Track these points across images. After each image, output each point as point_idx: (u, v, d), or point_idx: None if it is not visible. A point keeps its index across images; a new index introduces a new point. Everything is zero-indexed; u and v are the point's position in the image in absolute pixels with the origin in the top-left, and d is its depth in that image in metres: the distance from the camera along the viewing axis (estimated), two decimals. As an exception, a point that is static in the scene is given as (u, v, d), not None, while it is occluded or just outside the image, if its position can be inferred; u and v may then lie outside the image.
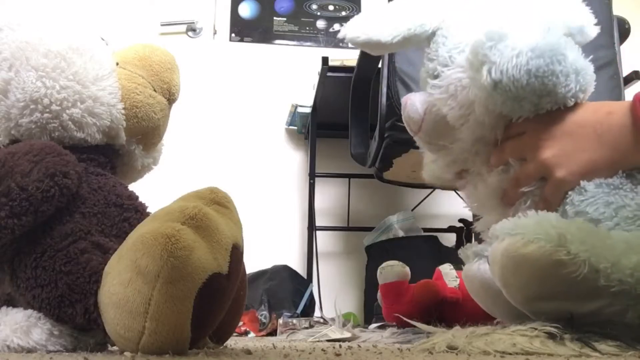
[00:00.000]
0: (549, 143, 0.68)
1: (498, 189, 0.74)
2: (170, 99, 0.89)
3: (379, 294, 1.28)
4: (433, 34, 0.78)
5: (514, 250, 0.58)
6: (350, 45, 0.83)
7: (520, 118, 0.70)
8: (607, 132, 0.65)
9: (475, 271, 0.77)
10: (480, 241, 0.80)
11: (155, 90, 0.87)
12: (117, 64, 0.86)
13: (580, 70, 0.67)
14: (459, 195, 2.14)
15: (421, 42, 0.79)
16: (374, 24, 0.78)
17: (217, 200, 0.63)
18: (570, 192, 0.66)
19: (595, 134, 0.66)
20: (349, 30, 0.80)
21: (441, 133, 0.78)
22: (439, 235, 2.12)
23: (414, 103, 0.80)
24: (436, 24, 0.78)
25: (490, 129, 0.73)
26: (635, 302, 0.56)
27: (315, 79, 2.12)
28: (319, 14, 2.74)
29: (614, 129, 0.65)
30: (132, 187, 0.83)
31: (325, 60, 1.97)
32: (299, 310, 1.87)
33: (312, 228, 2.19)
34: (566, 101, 0.68)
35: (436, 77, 0.76)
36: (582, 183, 0.65)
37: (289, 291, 1.96)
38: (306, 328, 1.48)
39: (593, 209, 0.64)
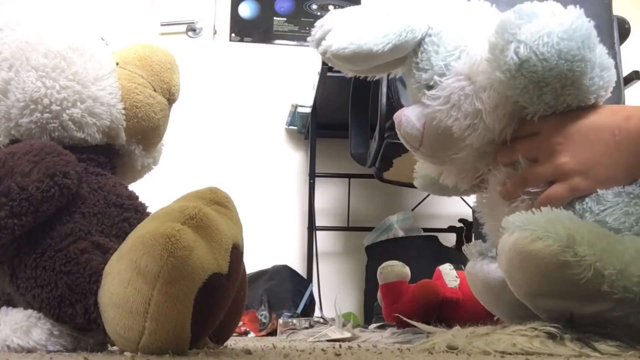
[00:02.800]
0: (566, 147, 0.65)
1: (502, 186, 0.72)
2: (170, 99, 0.89)
3: (379, 294, 1.28)
4: (421, 40, 0.74)
5: (522, 245, 0.58)
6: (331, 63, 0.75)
7: (536, 115, 0.67)
8: (625, 137, 0.63)
9: (479, 270, 0.76)
10: (485, 240, 0.80)
11: (155, 90, 0.87)
12: (117, 64, 0.86)
13: (605, 66, 0.65)
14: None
15: (408, 49, 0.75)
16: (361, 32, 0.72)
17: (217, 200, 0.63)
18: (587, 199, 0.64)
19: (614, 140, 0.63)
20: (335, 41, 0.72)
21: (446, 145, 0.74)
22: (439, 235, 2.12)
23: (409, 118, 0.75)
24: (424, 29, 0.74)
25: (500, 131, 0.70)
26: (638, 310, 0.56)
27: (315, 79, 2.12)
28: (319, 14, 2.74)
29: (633, 134, 0.63)
30: (132, 187, 0.83)
31: (325, 60, 1.97)
32: (299, 310, 1.87)
33: (312, 228, 2.19)
34: (588, 96, 0.65)
35: (431, 87, 0.73)
36: (601, 192, 0.63)
37: (289, 291, 1.96)
38: (306, 328, 1.48)
39: (612, 219, 0.62)
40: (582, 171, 0.64)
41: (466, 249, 0.80)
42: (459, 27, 0.74)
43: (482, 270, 0.76)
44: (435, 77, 0.72)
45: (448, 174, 0.79)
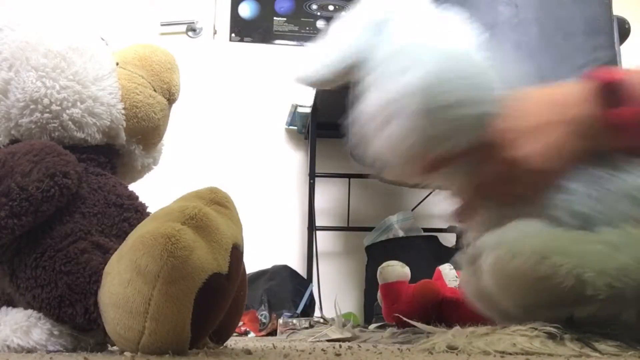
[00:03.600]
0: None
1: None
2: (170, 99, 0.89)
3: (379, 294, 1.28)
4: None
5: (500, 267, 0.59)
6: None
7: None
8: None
9: (468, 278, 0.76)
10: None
11: (155, 90, 0.87)
12: (117, 64, 0.86)
13: None
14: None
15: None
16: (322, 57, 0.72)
17: (217, 200, 0.63)
18: (552, 196, 0.64)
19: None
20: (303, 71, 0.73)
21: None
22: (439, 235, 2.12)
23: None
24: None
25: None
26: (626, 305, 0.56)
27: (315, 79, 2.12)
28: (319, 14, 2.74)
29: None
30: (132, 187, 0.83)
31: (325, 60, 1.97)
32: (299, 310, 1.87)
33: (312, 228, 2.19)
34: None
35: None
36: (561, 182, 0.63)
37: (289, 291, 1.96)
38: (306, 328, 1.47)
39: (581, 206, 0.62)
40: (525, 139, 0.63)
41: (459, 258, 0.80)
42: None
43: (472, 277, 0.75)
44: None
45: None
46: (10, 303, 0.70)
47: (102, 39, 0.88)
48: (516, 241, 0.59)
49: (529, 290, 0.58)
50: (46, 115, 0.77)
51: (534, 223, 0.61)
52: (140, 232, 0.58)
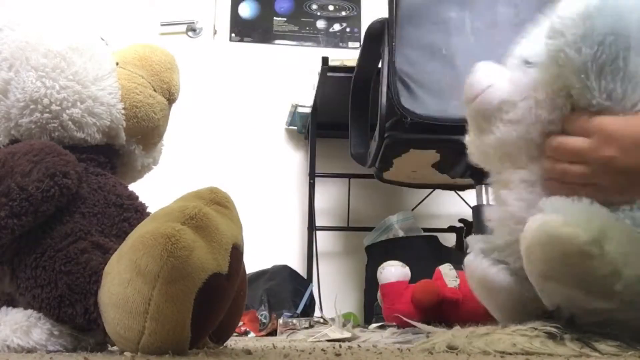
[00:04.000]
0: (615, 152, 0.62)
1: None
2: (170, 99, 0.89)
3: (379, 294, 1.28)
4: None
5: (552, 226, 0.57)
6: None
7: (592, 106, 0.63)
8: None
9: (477, 266, 0.76)
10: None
11: (155, 90, 0.87)
12: (117, 64, 0.86)
13: None
14: (459, 196, 2.15)
15: None
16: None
17: (217, 201, 0.63)
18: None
19: None
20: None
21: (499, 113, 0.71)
22: (439, 235, 2.12)
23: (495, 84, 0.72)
24: None
25: (549, 122, 0.67)
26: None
27: (315, 79, 2.12)
28: (319, 14, 2.74)
29: None
30: (132, 187, 0.83)
31: (325, 60, 1.97)
32: (299, 310, 1.87)
33: (312, 228, 2.19)
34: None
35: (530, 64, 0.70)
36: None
37: (289, 291, 1.96)
38: (306, 328, 1.47)
39: None
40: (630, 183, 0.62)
41: (469, 240, 0.79)
42: None
43: (481, 268, 0.75)
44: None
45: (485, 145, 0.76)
46: (11, 303, 0.70)
47: (102, 39, 0.88)
48: (579, 213, 0.58)
49: (564, 260, 0.57)
50: (46, 115, 0.77)
51: (603, 209, 0.60)
52: (140, 232, 0.58)
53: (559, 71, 0.62)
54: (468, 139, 0.80)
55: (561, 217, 0.57)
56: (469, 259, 0.79)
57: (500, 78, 0.72)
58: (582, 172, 0.64)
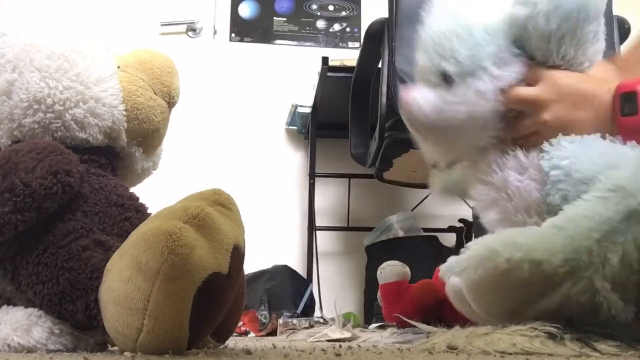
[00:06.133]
0: (554, 105, 0.72)
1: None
2: (170, 102, 0.90)
3: (379, 294, 1.28)
4: None
5: (468, 282, 0.61)
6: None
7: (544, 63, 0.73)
8: (602, 107, 0.71)
9: (449, 285, 0.77)
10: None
11: (155, 93, 0.88)
12: (119, 67, 0.87)
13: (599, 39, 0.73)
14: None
15: None
16: None
17: (220, 202, 0.63)
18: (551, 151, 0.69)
19: (593, 107, 0.71)
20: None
21: (452, 134, 0.77)
22: (439, 235, 2.12)
23: (420, 106, 0.77)
24: None
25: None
26: (592, 271, 0.57)
27: (315, 79, 2.12)
28: (319, 14, 2.74)
29: (607, 104, 0.70)
30: (133, 188, 0.84)
31: (325, 60, 1.97)
32: (299, 310, 1.87)
33: (312, 228, 2.19)
34: (585, 54, 0.72)
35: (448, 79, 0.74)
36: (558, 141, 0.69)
37: (289, 291, 1.96)
38: (306, 328, 1.48)
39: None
40: (561, 128, 0.71)
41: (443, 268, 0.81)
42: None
43: (450, 283, 0.76)
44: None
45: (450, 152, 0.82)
46: (11, 302, 0.70)
47: (104, 43, 0.89)
48: (467, 258, 0.61)
49: (501, 293, 0.60)
50: (49, 115, 0.77)
51: (480, 239, 0.64)
52: (142, 230, 0.58)
53: (520, 33, 0.71)
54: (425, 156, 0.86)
55: (458, 265, 0.62)
56: (447, 285, 0.79)
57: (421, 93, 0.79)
58: (532, 122, 0.73)
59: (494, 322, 0.73)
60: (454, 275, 0.65)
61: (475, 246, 0.62)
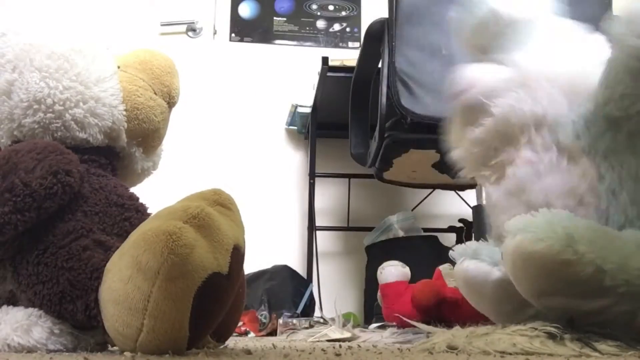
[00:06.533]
0: None
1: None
2: (170, 102, 0.90)
3: (379, 294, 1.28)
4: None
5: (524, 247, 0.59)
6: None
7: None
8: None
9: (461, 269, 0.77)
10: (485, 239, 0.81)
11: (155, 93, 0.88)
12: (119, 67, 0.87)
13: None
14: (459, 196, 2.15)
15: None
16: None
17: (220, 202, 0.63)
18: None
19: None
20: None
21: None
22: (439, 235, 2.12)
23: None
24: None
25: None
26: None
27: (315, 79, 2.12)
28: (319, 14, 2.74)
29: None
30: (133, 189, 0.84)
31: (325, 60, 1.97)
32: (299, 310, 1.87)
33: (312, 228, 2.19)
34: None
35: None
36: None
37: (289, 291, 1.96)
38: (306, 328, 1.48)
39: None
40: None
41: (451, 254, 0.81)
42: None
43: (463, 269, 0.76)
44: None
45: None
46: (11, 302, 0.70)
47: (104, 43, 0.89)
48: (543, 226, 0.59)
49: (547, 275, 0.58)
50: (49, 115, 0.77)
51: (563, 212, 0.62)
52: (142, 230, 0.58)
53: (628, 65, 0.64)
54: (451, 136, 0.82)
55: (529, 235, 0.59)
56: (455, 268, 0.79)
57: (484, 71, 0.76)
58: None
59: (489, 312, 0.74)
60: (519, 233, 0.61)
61: (550, 218, 0.60)
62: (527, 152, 0.72)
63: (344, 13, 2.73)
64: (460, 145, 0.81)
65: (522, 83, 0.72)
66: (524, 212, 0.66)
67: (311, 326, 1.49)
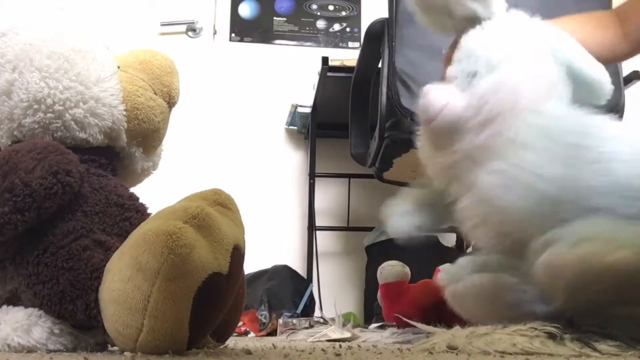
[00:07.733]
0: None
1: None
2: (170, 102, 0.90)
3: (379, 294, 1.28)
4: None
5: (599, 258, 0.56)
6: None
7: None
8: None
9: (467, 287, 0.75)
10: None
11: (155, 94, 0.87)
12: (119, 67, 0.87)
13: None
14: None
15: None
16: None
17: (221, 202, 0.63)
18: None
19: None
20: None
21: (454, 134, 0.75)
22: (439, 235, 2.12)
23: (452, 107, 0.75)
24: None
25: None
26: None
27: (315, 79, 2.12)
28: (319, 14, 2.74)
29: None
30: (133, 189, 0.84)
31: (325, 60, 1.97)
32: (299, 310, 1.87)
33: (312, 228, 2.19)
34: None
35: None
36: None
37: (289, 291, 1.96)
38: (306, 328, 1.48)
39: None
40: None
41: (443, 274, 0.80)
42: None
43: (470, 284, 0.74)
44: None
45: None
46: (11, 302, 0.70)
47: (104, 43, 0.89)
48: (610, 234, 0.57)
49: (624, 283, 0.56)
50: (49, 115, 0.77)
51: (609, 220, 0.60)
52: (142, 230, 0.58)
53: None
54: (423, 155, 0.84)
55: (600, 243, 0.56)
56: (453, 290, 0.78)
57: (453, 95, 0.75)
58: None
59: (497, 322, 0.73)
60: (584, 242, 0.58)
61: (611, 224, 0.58)
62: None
63: (344, 13, 2.73)
64: (430, 165, 0.83)
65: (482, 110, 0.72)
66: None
67: (311, 326, 1.49)
